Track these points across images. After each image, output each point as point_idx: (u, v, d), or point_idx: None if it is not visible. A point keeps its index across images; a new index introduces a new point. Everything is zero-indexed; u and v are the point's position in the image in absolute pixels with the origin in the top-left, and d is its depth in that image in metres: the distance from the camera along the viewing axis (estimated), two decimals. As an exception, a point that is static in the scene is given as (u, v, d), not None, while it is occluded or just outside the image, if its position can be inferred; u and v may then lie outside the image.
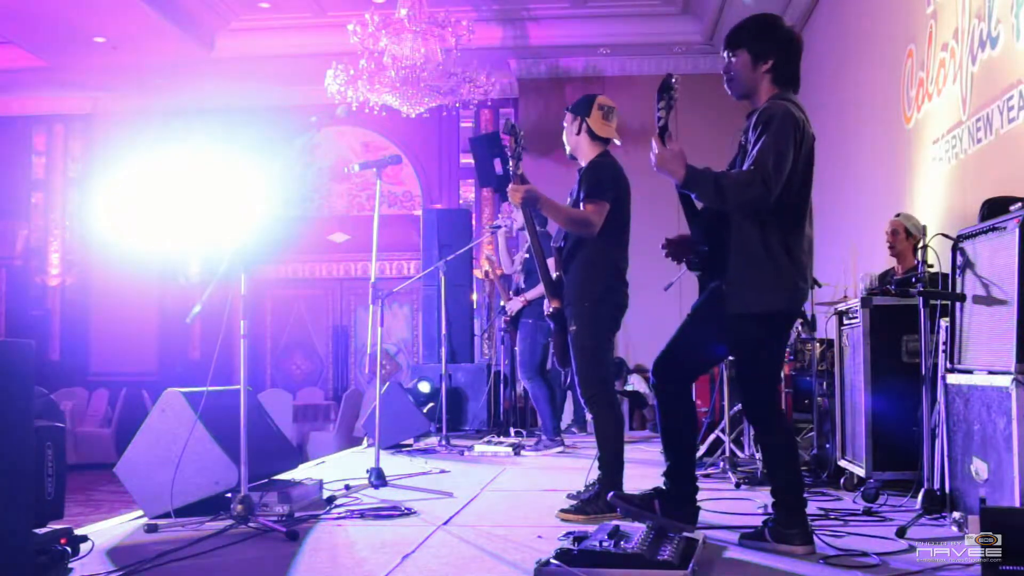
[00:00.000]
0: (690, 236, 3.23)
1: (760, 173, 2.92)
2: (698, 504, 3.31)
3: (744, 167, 3.00)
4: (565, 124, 4.12)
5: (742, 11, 9.67)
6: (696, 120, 9.60)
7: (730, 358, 4.48)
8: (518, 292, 6.97)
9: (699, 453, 5.44)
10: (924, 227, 4.24)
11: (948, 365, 3.56)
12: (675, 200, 3.20)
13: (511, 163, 4.02)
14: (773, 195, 2.93)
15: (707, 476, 5.01)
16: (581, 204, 3.90)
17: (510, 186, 3.94)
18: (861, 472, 4.27)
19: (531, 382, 6.77)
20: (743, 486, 4.59)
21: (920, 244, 5.30)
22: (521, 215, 4.66)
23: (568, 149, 4.13)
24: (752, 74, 3.14)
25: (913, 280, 3.98)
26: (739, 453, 5.40)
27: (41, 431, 2.99)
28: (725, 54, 3.18)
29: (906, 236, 5.36)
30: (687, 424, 3.29)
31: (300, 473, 4.72)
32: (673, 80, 3.03)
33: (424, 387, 7.67)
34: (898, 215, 5.55)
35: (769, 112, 3.03)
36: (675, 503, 3.19)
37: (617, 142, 4.08)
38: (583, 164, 4.05)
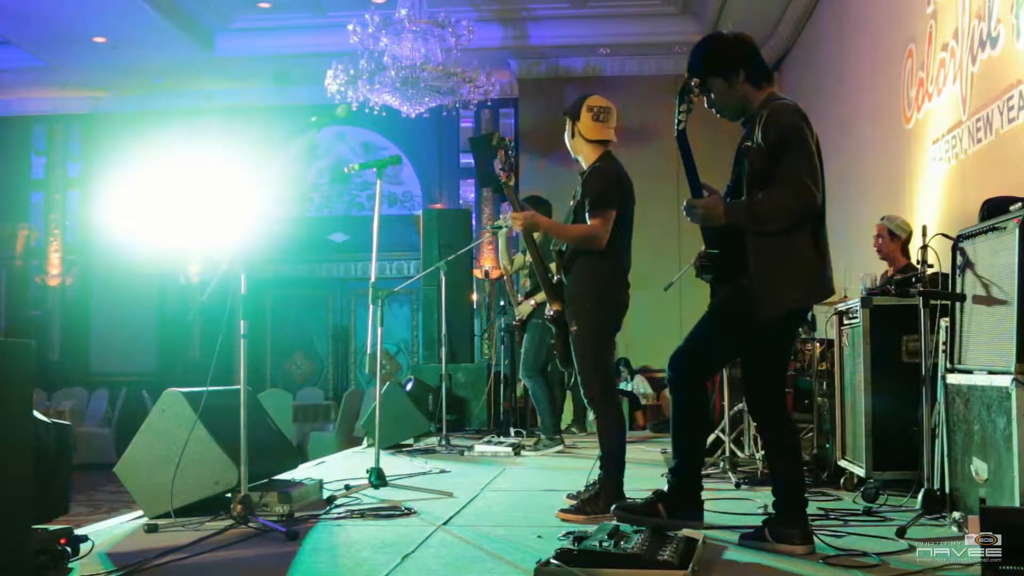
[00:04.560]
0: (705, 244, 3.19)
1: (798, 184, 2.91)
2: (703, 500, 3.26)
3: (777, 179, 2.96)
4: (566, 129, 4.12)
5: (741, 11, 9.71)
6: (695, 120, 9.59)
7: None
8: (527, 295, 7.01)
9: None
10: (926, 226, 4.21)
11: (948, 365, 3.56)
12: (673, 199, 3.20)
13: (502, 175, 4.04)
14: (819, 197, 2.95)
15: (707, 476, 5.01)
16: (586, 214, 3.89)
17: (510, 214, 4.00)
18: (861, 472, 4.27)
19: (531, 380, 6.78)
20: (743, 486, 4.59)
21: (908, 243, 5.31)
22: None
23: (572, 153, 4.12)
24: (735, 93, 3.14)
25: (913, 280, 3.97)
26: (739, 453, 5.40)
27: (62, 429, 3.05)
28: (704, 98, 3.15)
29: (891, 238, 5.35)
30: (698, 422, 3.22)
31: (300, 473, 4.72)
32: (693, 83, 3.04)
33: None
34: (883, 219, 5.52)
35: (777, 113, 3.01)
36: (679, 502, 3.15)
37: (614, 140, 4.06)
38: (584, 167, 4.04)
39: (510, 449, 6.50)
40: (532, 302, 6.85)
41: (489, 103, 11.51)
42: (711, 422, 3.37)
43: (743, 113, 3.18)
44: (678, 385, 3.19)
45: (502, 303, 7.16)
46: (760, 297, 3.00)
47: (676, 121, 3.03)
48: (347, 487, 4.53)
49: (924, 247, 3.76)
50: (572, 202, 4.07)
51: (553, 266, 4.22)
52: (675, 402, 3.21)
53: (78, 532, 2.98)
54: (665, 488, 3.20)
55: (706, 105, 3.19)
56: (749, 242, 3.02)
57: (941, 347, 3.68)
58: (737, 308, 3.07)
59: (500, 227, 7.24)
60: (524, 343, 6.90)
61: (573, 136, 4.04)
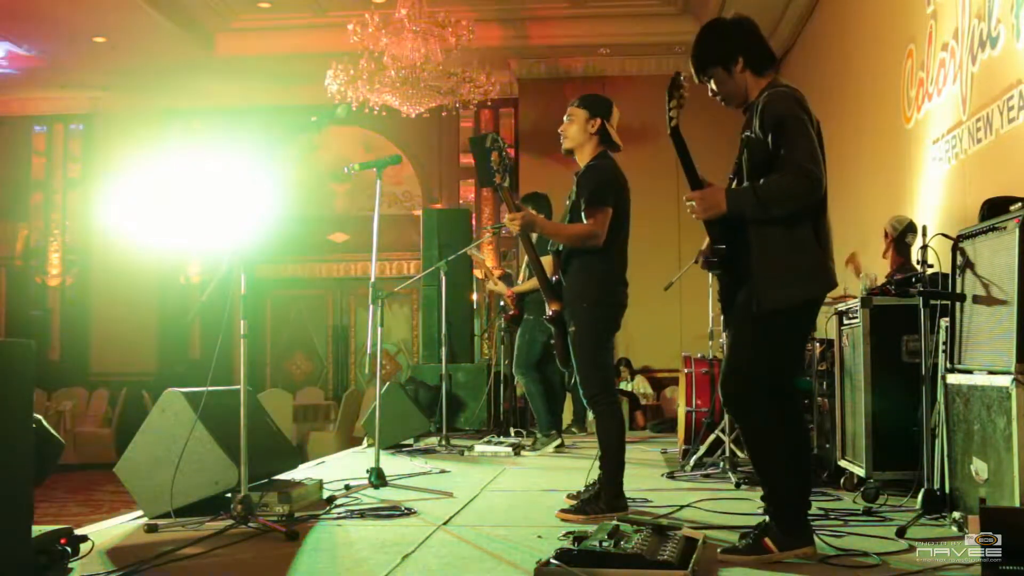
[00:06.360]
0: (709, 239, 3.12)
1: (800, 171, 2.86)
2: (809, 522, 2.99)
3: (778, 167, 2.91)
4: (571, 118, 4.03)
5: (741, 11, 9.70)
6: (694, 120, 9.60)
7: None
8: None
9: (699, 454, 5.43)
10: (926, 226, 4.21)
11: (948, 365, 3.56)
12: (673, 199, 3.19)
13: (497, 177, 4.02)
14: (823, 185, 2.90)
15: (707, 476, 5.02)
16: (582, 212, 3.89)
17: (507, 216, 3.98)
18: (861, 472, 4.27)
19: (524, 377, 6.79)
20: (743, 486, 4.59)
21: (905, 240, 5.29)
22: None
23: (566, 143, 4.04)
24: (734, 81, 3.09)
25: (913, 280, 3.97)
26: (739, 453, 5.39)
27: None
28: (707, 87, 3.12)
29: (885, 237, 5.35)
30: (772, 440, 2.97)
31: (300, 473, 4.72)
32: (682, 78, 3.00)
33: None
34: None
35: (772, 102, 2.96)
36: (786, 529, 2.90)
37: (620, 148, 4.05)
38: (581, 164, 4.03)
39: (510, 449, 6.51)
40: (509, 291, 6.88)
41: (489, 103, 11.50)
42: (803, 436, 3.02)
43: (745, 101, 3.12)
44: (737, 409, 3.02)
45: (502, 303, 7.16)
46: (761, 292, 2.94)
47: (668, 118, 2.99)
48: (347, 487, 4.54)
49: (924, 247, 3.76)
50: (568, 201, 4.07)
51: (545, 260, 4.21)
52: (741, 429, 3.04)
53: (78, 532, 2.98)
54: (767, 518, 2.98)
55: (710, 94, 3.15)
56: (751, 235, 2.96)
57: (941, 347, 3.68)
58: (745, 310, 3.01)
59: (500, 227, 7.25)
60: (517, 340, 6.92)
61: (594, 131, 3.97)
